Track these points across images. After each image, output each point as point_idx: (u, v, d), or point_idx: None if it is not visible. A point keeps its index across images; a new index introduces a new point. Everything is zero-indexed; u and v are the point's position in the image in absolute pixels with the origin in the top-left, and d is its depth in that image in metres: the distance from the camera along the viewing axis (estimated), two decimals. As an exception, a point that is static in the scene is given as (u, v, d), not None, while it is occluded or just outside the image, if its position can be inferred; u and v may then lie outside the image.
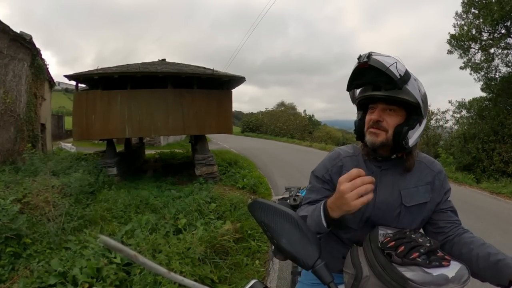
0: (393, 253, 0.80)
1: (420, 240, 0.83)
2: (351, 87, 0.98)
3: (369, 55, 0.86)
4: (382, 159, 1.02)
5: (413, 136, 0.94)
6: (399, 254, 0.79)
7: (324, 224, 0.88)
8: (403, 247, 0.80)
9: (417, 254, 0.78)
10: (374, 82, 0.90)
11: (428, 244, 0.81)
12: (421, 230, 1.05)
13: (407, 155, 1.00)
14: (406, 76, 0.86)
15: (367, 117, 0.99)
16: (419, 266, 0.77)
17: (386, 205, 0.99)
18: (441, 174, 1.04)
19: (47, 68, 9.20)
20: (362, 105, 1.03)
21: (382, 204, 0.99)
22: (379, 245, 0.86)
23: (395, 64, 0.84)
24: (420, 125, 0.95)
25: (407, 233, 0.87)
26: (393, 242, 0.83)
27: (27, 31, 10.14)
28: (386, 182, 1.00)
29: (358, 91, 1.02)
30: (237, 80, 8.26)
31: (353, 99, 1.04)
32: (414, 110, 0.94)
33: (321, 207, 0.89)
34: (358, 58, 0.88)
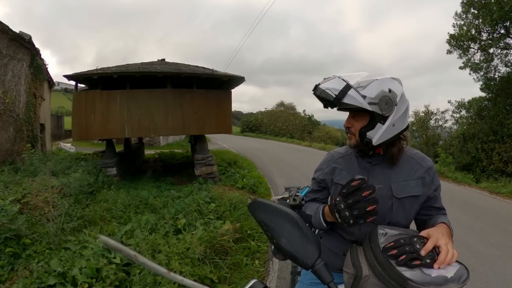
0: (394, 261, 0.80)
1: (419, 247, 0.82)
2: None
3: (316, 87, 1.02)
4: (372, 154, 1.09)
5: (376, 135, 0.99)
6: (399, 262, 0.79)
7: (324, 224, 1.11)
8: (404, 256, 0.80)
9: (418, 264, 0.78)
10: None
11: (429, 261, 0.79)
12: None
13: (390, 150, 1.06)
14: (341, 94, 0.96)
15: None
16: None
17: (378, 198, 1.01)
18: (431, 170, 1.09)
19: (47, 68, 9.18)
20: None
21: None
22: (382, 249, 0.86)
23: (328, 90, 0.98)
24: (383, 123, 0.99)
25: (413, 239, 0.85)
26: (395, 250, 0.82)
27: (26, 30, 10.16)
28: (377, 176, 1.07)
29: None
30: (236, 80, 8.25)
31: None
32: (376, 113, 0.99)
33: (320, 212, 1.12)
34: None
